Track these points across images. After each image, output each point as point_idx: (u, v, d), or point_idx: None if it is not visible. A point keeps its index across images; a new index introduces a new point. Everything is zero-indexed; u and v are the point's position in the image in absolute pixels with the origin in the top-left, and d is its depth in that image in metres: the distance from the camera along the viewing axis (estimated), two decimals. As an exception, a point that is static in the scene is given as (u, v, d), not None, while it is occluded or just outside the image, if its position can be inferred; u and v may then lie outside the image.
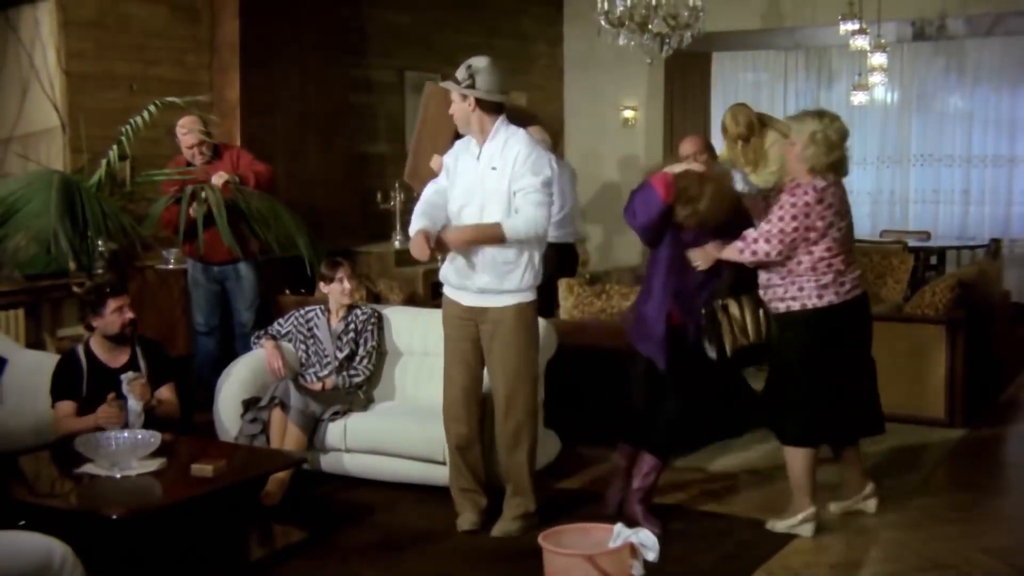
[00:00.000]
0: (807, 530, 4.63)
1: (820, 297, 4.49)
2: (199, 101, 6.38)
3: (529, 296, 4.65)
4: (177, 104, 6.07)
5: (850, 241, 4.62)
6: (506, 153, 4.55)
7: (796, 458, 4.63)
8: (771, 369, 4.74)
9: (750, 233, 4.51)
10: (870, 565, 4.40)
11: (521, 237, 4.52)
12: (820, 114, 4.60)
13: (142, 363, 4.98)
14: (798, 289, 4.50)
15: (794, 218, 4.43)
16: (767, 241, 4.46)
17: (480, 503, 4.81)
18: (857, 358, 4.68)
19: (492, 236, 4.52)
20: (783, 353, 4.59)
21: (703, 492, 5.23)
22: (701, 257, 4.59)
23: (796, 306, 4.51)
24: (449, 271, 4.75)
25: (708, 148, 5.76)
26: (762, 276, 4.60)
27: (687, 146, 5.61)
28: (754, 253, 4.48)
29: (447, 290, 4.81)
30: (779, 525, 4.68)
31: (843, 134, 4.55)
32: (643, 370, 4.71)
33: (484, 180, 4.57)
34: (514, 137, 4.58)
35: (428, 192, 4.82)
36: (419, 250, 4.53)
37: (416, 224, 4.65)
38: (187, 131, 6.41)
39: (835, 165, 4.53)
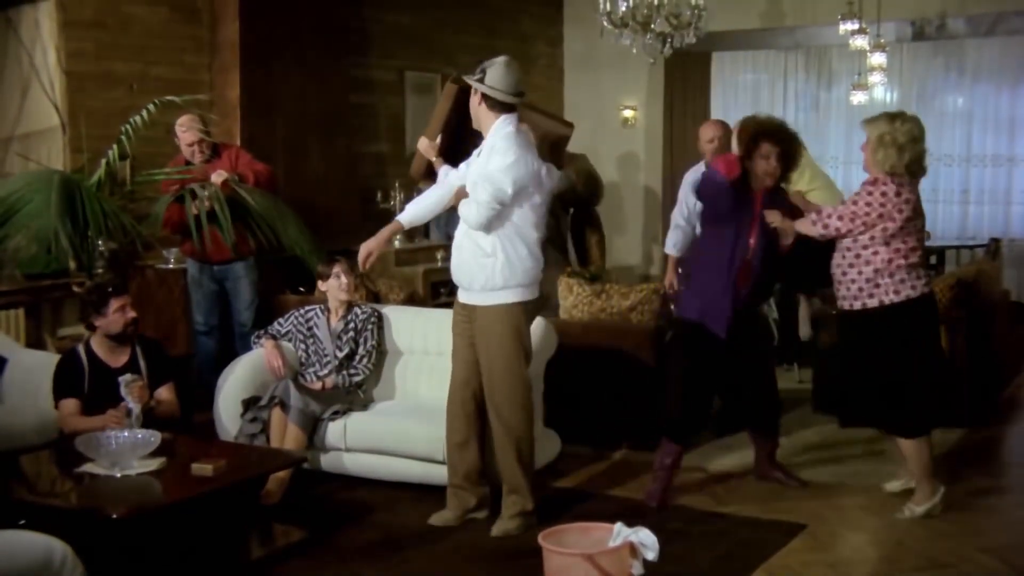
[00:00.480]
0: (937, 501, 4.88)
1: (897, 293, 4.70)
2: (199, 100, 6.38)
3: (514, 296, 4.64)
4: (176, 104, 6.08)
5: (923, 240, 4.87)
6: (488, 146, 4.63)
7: (909, 445, 4.87)
8: (848, 361, 4.93)
9: (825, 209, 4.82)
10: (869, 564, 4.40)
11: (466, 220, 4.62)
12: (892, 117, 4.79)
13: (142, 363, 4.99)
14: (874, 286, 4.71)
15: (869, 204, 4.66)
16: (840, 218, 4.72)
17: (467, 502, 4.83)
18: (923, 352, 4.83)
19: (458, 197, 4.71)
20: (856, 347, 4.85)
21: (703, 491, 5.24)
22: (775, 218, 4.89)
23: (873, 303, 4.72)
24: (452, 265, 4.77)
25: (726, 131, 6.08)
26: (838, 273, 4.81)
27: (708, 130, 6.33)
28: (826, 227, 4.74)
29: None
30: (915, 509, 4.89)
31: (911, 135, 4.71)
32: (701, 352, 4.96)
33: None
34: (499, 133, 4.61)
35: (455, 173, 4.93)
36: (362, 251, 4.82)
37: (399, 217, 4.94)
38: (186, 129, 6.41)
39: (910, 166, 4.72)
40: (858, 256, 4.72)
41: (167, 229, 6.32)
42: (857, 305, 4.76)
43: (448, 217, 5.92)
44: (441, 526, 4.77)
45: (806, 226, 4.83)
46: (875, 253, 4.69)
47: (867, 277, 4.71)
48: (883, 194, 4.64)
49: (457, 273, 4.73)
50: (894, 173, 4.69)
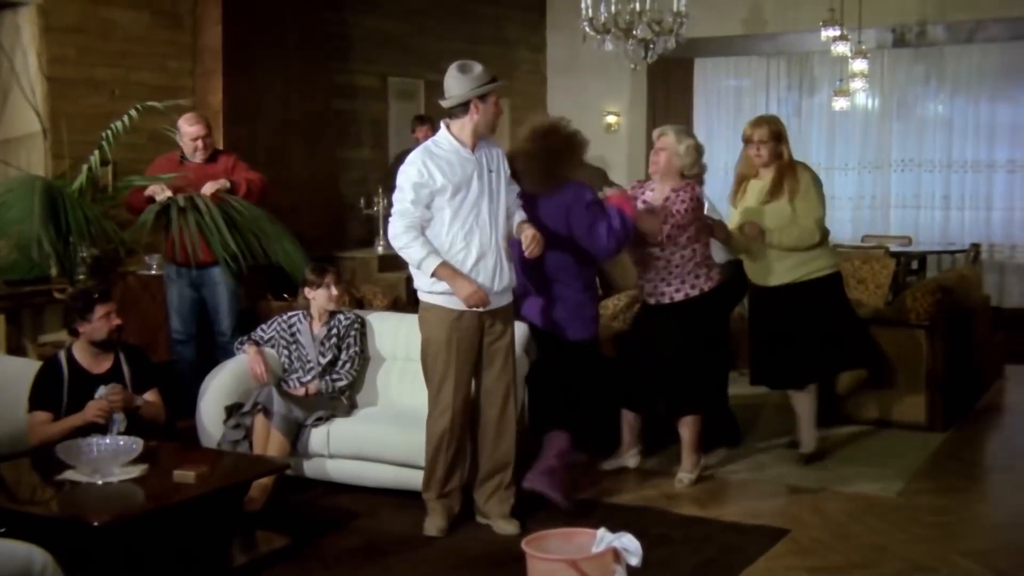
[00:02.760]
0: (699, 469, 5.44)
1: (711, 279, 5.27)
2: (181, 106, 6.34)
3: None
4: (158, 109, 6.04)
5: None
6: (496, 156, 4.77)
7: (694, 420, 5.36)
8: (675, 352, 5.25)
9: (667, 223, 5.18)
10: (851, 568, 4.42)
11: None
12: (688, 131, 5.43)
13: (125, 369, 4.96)
14: (695, 277, 5.22)
15: (694, 208, 5.18)
16: (678, 227, 5.16)
17: (454, 508, 4.85)
18: (719, 333, 5.57)
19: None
20: (672, 336, 5.23)
21: (684, 496, 5.25)
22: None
23: (695, 293, 5.22)
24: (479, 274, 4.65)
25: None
26: (650, 272, 5.24)
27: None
28: (669, 236, 5.16)
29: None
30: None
31: (702, 148, 5.36)
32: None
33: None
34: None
35: None
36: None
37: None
38: (193, 122, 6.37)
39: (701, 172, 5.35)
40: (675, 253, 5.18)
41: (127, 209, 6.22)
42: (679, 297, 5.22)
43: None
44: (436, 535, 4.75)
45: (656, 228, 5.19)
46: (693, 249, 5.21)
47: (688, 270, 5.21)
48: (698, 196, 5.24)
49: (499, 280, 4.67)
50: (697, 177, 5.27)
